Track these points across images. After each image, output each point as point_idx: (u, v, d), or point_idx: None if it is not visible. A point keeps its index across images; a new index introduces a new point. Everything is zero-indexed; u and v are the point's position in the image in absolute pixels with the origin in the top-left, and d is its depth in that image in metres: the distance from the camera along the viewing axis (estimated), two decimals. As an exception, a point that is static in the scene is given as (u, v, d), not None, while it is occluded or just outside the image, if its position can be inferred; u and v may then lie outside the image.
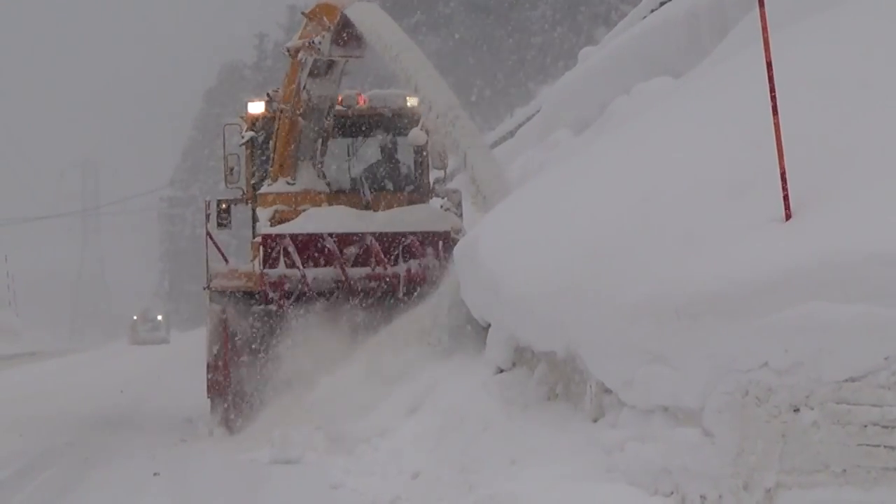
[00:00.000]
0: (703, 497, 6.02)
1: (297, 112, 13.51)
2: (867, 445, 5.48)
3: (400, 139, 14.41)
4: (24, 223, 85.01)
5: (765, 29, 6.44)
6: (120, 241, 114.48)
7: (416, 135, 12.83)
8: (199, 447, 11.93)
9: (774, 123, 6.32)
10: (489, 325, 8.98)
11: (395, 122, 14.39)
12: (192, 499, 9.19)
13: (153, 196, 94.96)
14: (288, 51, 13.51)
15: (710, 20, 16.95)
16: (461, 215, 14.00)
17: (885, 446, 5.43)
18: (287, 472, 9.65)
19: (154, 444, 12.64)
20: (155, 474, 10.29)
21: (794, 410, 5.68)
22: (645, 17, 22.04)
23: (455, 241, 11.80)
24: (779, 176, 6.28)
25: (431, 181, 14.57)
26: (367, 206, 13.74)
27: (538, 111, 26.64)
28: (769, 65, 6.40)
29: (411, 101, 13.60)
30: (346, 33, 12.97)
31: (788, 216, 6.28)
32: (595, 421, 7.13)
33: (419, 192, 14.34)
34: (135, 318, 68.85)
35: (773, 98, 6.35)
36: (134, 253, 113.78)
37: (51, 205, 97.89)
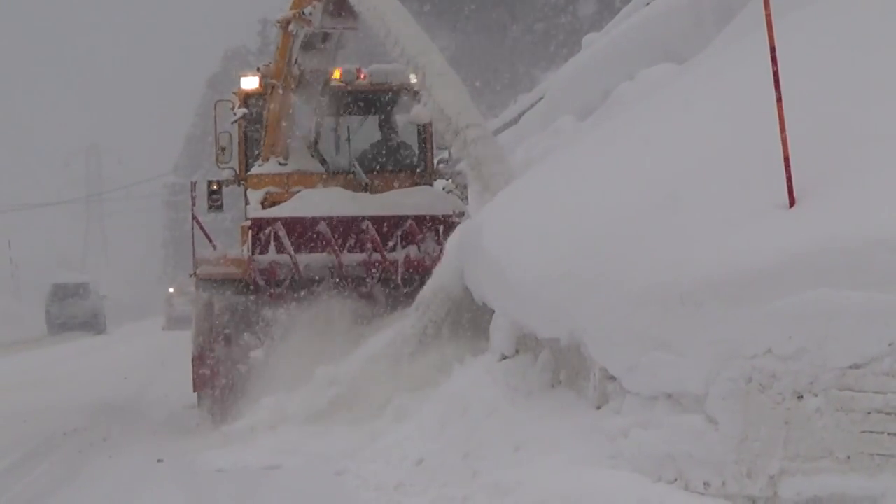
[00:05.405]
0: (706, 484, 6.03)
1: (290, 87, 12.86)
2: (871, 432, 5.48)
3: (401, 117, 13.79)
4: (27, 209, 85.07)
5: (768, 15, 6.43)
6: (124, 228, 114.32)
7: (418, 112, 12.20)
8: (203, 434, 11.91)
9: (778, 109, 6.31)
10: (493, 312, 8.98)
11: (396, 98, 13.75)
12: (195, 486, 9.21)
13: (157, 182, 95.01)
14: (279, 22, 12.83)
15: (714, 6, 16.90)
16: (466, 198, 13.22)
17: (888, 433, 5.44)
18: (290, 459, 9.65)
19: (158, 431, 12.66)
20: (159, 461, 10.31)
21: (798, 397, 5.68)
22: (649, 2, 21.98)
23: (457, 225, 11.39)
24: (782, 162, 6.26)
25: (436, 161, 14.00)
26: (365, 188, 13.17)
27: (542, 98, 26.54)
28: (773, 51, 6.38)
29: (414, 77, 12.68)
30: (339, 2, 12.26)
31: (792, 202, 6.27)
32: (599, 408, 7.12)
33: (422, 173, 13.73)
34: (171, 290, 57.26)
35: (777, 84, 6.33)
36: (137, 239, 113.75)
37: (54, 191, 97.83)
